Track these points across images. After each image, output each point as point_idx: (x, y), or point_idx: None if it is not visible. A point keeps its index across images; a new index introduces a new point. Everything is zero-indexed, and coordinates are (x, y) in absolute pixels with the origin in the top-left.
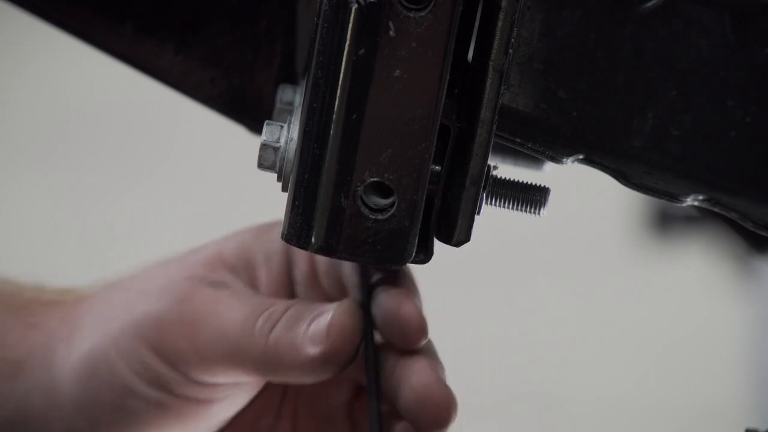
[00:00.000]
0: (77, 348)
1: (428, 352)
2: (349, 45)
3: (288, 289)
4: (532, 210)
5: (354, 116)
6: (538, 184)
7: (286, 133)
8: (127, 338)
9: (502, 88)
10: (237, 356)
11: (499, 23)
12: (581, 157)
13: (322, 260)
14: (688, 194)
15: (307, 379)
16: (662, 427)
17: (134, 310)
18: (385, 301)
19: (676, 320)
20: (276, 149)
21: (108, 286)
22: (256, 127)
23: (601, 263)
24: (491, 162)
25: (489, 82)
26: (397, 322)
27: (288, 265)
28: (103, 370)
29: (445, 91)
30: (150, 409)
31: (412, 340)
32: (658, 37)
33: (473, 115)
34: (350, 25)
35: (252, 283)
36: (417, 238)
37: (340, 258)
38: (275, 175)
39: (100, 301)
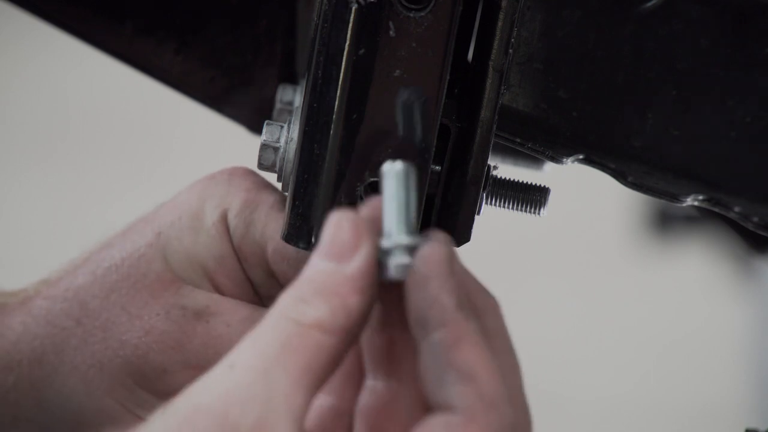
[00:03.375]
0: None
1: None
2: (349, 45)
3: (250, 291)
4: (532, 210)
5: (354, 116)
6: (538, 184)
7: (286, 133)
8: (119, 383)
9: (502, 88)
10: None
11: (499, 23)
12: (581, 157)
13: (275, 256)
14: (688, 194)
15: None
16: (662, 427)
17: (126, 363)
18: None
19: (676, 320)
20: (276, 149)
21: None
22: (256, 127)
23: (601, 263)
24: (491, 162)
25: (489, 82)
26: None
27: (242, 266)
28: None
29: (445, 91)
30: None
31: None
32: (658, 37)
33: (473, 115)
34: (350, 25)
35: (218, 291)
36: None
37: None
38: (275, 175)
39: (64, 334)
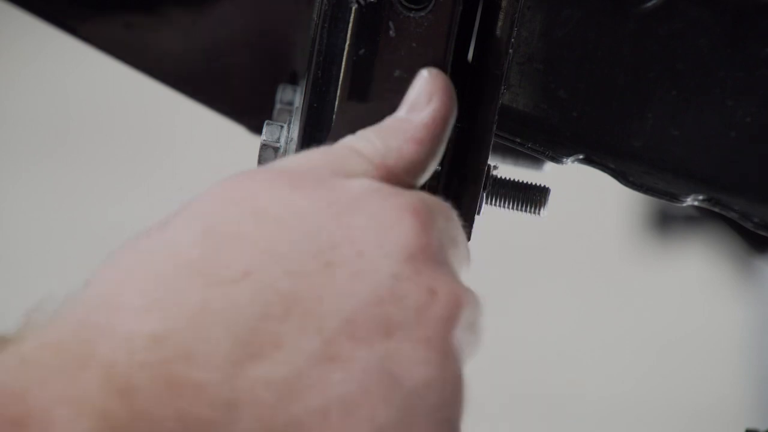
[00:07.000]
0: None
1: None
2: (349, 45)
3: None
4: (532, 210)
5: (354, 116)
6: (538, 184)
7: (286, 133)
8: None
9: (502, 88)
10: None
11: (499, 23)
12: (581, 157)
13: None
14: (688, 194)
15: None
16: (662, 427)
17: None
18: None
19: (676, 320)
20: (276, 149)
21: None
22: (256, 127)
23: (601, 264)
24: (491, 162)
25: (489, 82)
26: None
27: None
28: None
29: None
30: None
31: None
32: (658, 37)
33: (473, 115)
34: (350, 25)
35: None
36: None
37: None
38: None
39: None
